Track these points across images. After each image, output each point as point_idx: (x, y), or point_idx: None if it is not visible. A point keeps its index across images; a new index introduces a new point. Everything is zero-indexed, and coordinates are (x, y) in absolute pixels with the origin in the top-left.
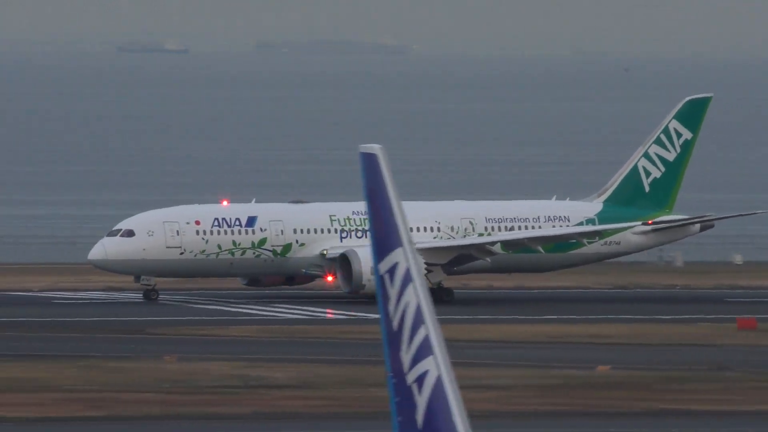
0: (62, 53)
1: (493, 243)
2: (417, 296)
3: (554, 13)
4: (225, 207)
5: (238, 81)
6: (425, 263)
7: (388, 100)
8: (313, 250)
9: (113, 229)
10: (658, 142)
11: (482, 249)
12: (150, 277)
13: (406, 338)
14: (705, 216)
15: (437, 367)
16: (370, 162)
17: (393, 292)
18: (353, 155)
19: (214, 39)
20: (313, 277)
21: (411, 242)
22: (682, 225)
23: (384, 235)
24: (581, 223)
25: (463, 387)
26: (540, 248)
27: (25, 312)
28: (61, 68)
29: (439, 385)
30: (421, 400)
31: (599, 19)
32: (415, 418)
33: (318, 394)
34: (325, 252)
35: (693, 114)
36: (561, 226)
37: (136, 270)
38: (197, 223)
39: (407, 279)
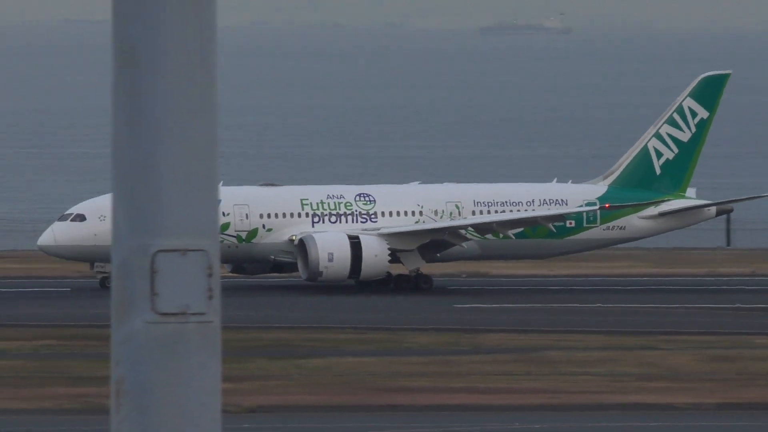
0: None
1: (463, 227)
2: None
3: None
4: None
5: None
6: (390, 249)
7: None
8: (281, 236)
9: (65, 213)
10: (671, 121)
11: (454, 233)
12: (104, 264)
13: None
14: (662, 200)
15: None
16: None
17: None
18: None
19: None
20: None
21: None
22: (693, 208)
23: None
24: (581, 207)
25: None
26: (510, 234)
27: None
28: None
29: None
30: None
31: None
32: None
33: None
34: (293, 238)
35: (710, 92)
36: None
37: (87, 256)
38: None
39: None
